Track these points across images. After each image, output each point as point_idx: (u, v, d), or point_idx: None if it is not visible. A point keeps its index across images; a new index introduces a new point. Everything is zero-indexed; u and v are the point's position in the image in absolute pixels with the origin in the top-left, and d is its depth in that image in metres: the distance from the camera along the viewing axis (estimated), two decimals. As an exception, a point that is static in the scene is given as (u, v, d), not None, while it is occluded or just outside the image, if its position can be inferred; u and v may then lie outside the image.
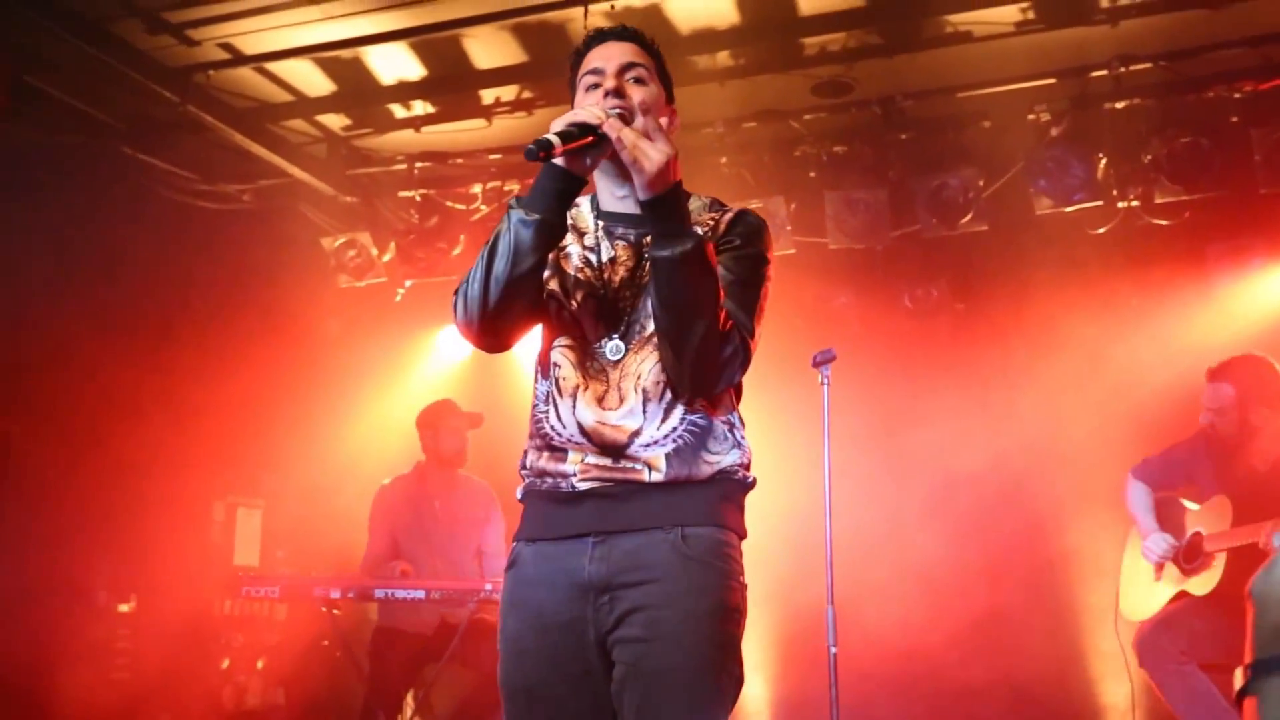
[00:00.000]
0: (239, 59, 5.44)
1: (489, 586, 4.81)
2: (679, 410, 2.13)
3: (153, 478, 6.00)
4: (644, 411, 2.12)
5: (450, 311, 2.18)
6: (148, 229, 6.05)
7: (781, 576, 5.37)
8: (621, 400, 2.13)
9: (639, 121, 2.06)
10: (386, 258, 6.57)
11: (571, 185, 2.10)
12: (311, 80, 5.69)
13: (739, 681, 2.11)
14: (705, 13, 5.03)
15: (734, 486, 2.20)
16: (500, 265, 2.08)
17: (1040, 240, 5.84)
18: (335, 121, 6.14)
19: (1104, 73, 5.28)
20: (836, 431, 4.22)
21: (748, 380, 2.26)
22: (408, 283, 6.66)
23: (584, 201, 2.32)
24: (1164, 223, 5.65)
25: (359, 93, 5.80)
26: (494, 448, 5.66)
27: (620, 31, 2.30)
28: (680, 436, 2.12)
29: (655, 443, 2.11)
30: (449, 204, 6.50)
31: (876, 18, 5.07)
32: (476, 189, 6.45)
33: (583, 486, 2.13)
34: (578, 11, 4.96)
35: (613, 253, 2.22)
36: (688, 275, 2.01)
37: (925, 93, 5.59)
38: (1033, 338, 5.94)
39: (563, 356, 2.20)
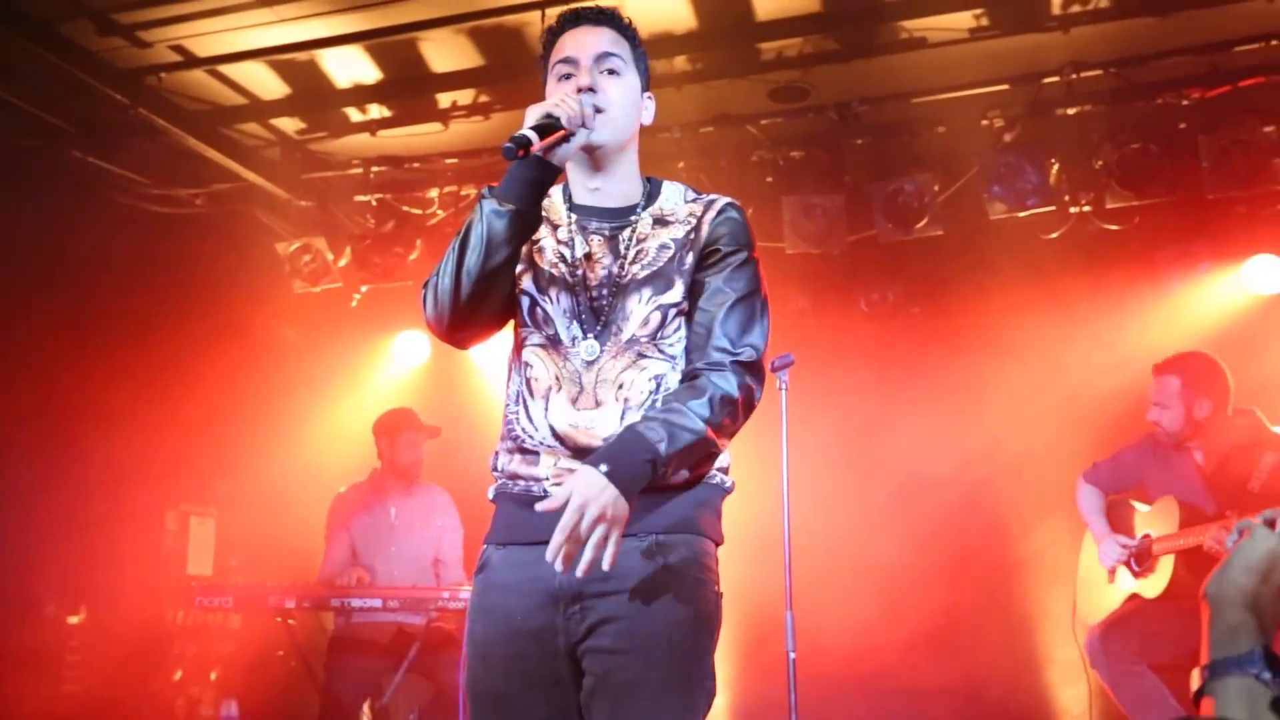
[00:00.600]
0: (191, 61, 5.38)
1: (446, 595, 4.78)
2: None
3: (103, 485, 5.91)
4: (621, 418, 2.06)
5: (412, 311, 2.14)
6: (99, 233, 5.96)
7: (740, 582, 5.33)
8: (597, 404, 2.08)
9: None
10: (342, 263, 6.51)
11: (547, 174, 2.05)
12: (265, 83, 5.63)
13: (710, 694, 2.07)
14: (662, 17, 5.03)
15: (711, 491, 2.16)
16: (472, 258, 2.04)
17: (994, 245, 5.90)
18: (290, 125, 6.09)
19: (1056, 79, 5.34)
20: (794, 436, 4.23)
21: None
22: (364, 288, 6.60)
23: (556, 191, 2.26)
24: (1115, 227, 5.72)
25: (314, 96, 5.75)
26: (453, 454, 5.64)
27: (595, 15, 2.21)
28: None
29: None
30: (405, 208, 6.45)
31: (833, 23, 5.10)
32: (433, 193, 6.41)
33: (555, 491, 2.07)
34: (535, 15, 4.95)
35: (587, 248, 2.16)
36: (679, 464, 2.01)
37: (881, 98, 5.63)
38: (988, 341, 5.99)
39: (534, 355, 2.14)
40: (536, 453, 2.11)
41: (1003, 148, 5.61)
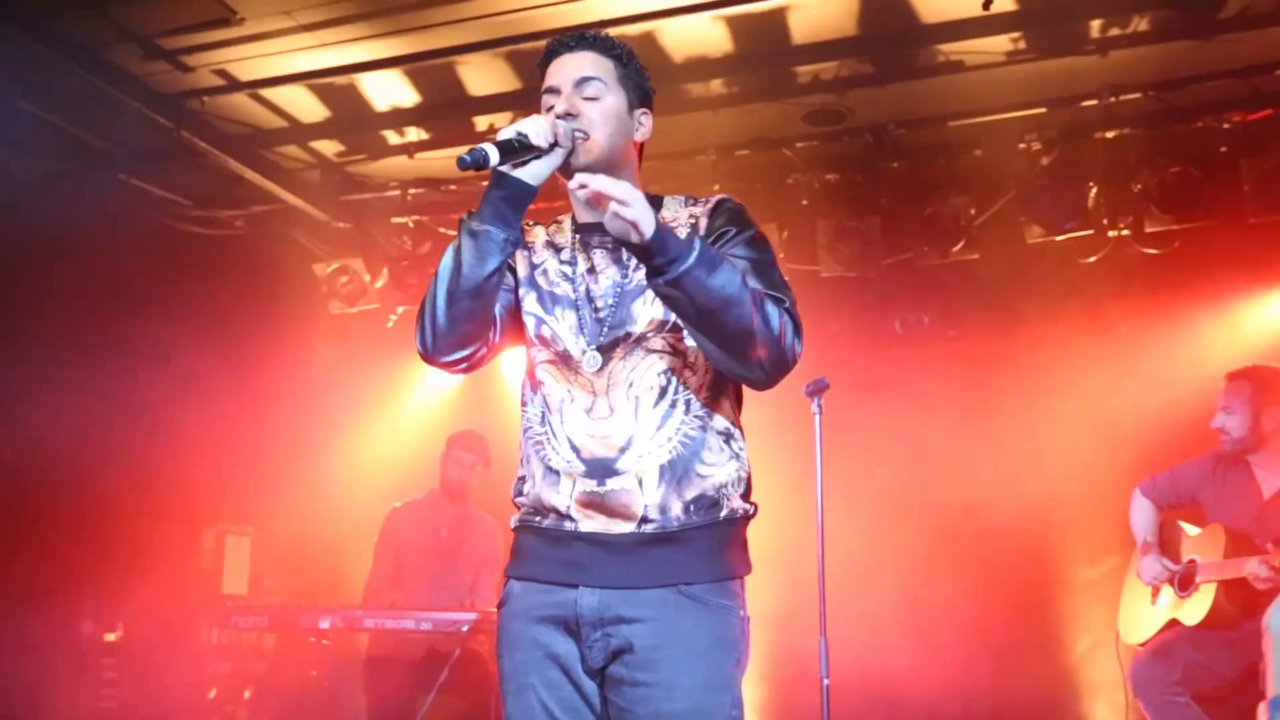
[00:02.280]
0: (234, 85, 5.45)
1: (478, 616, 4.79)
2: (674, 418, 2.07)
3: (141, 504, 5.95)
4: (636, 418, 2.07)
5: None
6: (140, 254, 6.03)
7: (773, 607, 5.34)
8: (611, 410, 2.08)
9: (599, 183, 1.89)
10: (379, 284, 6.57)
11: (520, 192, 2.04)
12: (306, 106, 5.70)
13: None
14: (698, 41, 5.05)
15: (735, 526, 2.14)
16: (451, 279, 2.06)
17: (1032, 268, 5.86)
18: (329, 148, 6.15)
19: (1094, 102, 5.31)
20: (828, 459, 4.21)
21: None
22: (400, 309, 6.64)
23: (566, 219, 2.28)
24: (1154, 251, 5.67)
25: (353, 119, 5.81)
26: (486, 477, 5.63)
27: (574, 42, 2.20)
28: (674, 448, 2.06)
29: (648, 453, 2.05)
30: (442, 230, 6.51)
31: (869, 47, 5.09)
32: (469, 216, 6.44)
33: (577, 528, 2.08)
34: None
35: (590, 262, 2.18)
36: (704, 282, 1.89)
37: (917, 121, 5.61)
38: (1024, 365, 5.94)
39: (546, 373, 2.17)
40: (558, 473, 2.11)
41: (1040, 171, 5.57)
